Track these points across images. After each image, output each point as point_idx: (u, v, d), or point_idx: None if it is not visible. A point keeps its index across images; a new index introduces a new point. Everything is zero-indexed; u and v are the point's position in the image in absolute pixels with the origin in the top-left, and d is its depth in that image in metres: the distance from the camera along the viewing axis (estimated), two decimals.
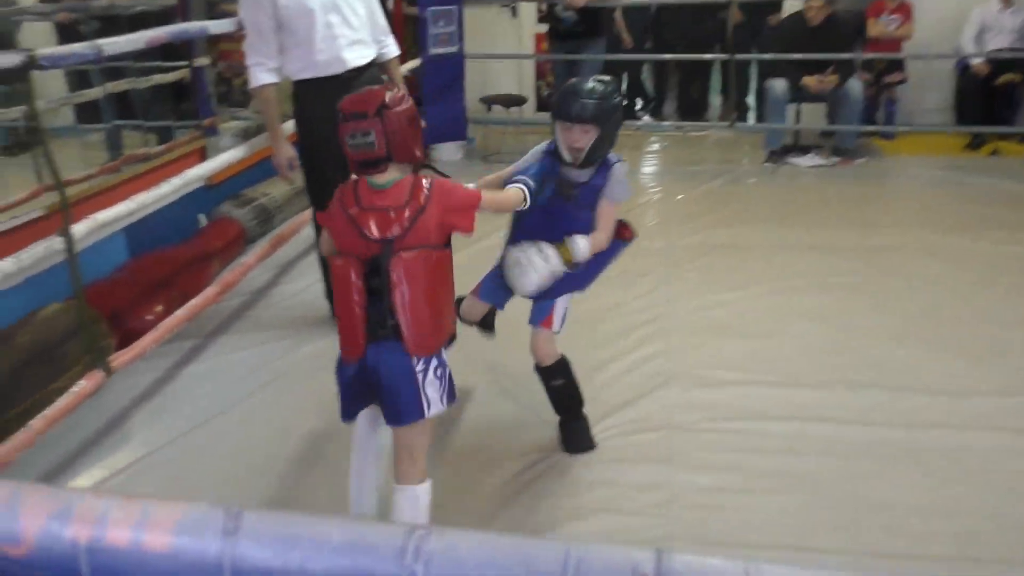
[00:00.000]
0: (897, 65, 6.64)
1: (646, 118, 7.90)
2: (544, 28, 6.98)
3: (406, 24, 6.53)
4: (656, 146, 7.01)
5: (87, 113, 4.99)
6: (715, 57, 6.93)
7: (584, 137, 2.36)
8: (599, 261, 2.54)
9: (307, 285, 4.09)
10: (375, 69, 3.42)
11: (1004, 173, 5.82)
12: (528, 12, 7.55)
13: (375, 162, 1.95)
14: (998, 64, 6.38)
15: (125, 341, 3.16)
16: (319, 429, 2.85)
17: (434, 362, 1.99)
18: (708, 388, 3.09)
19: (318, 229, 3.49)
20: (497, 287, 2.64)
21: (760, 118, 7.04)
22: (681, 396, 3.04)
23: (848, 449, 2.71)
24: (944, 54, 6.73)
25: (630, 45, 7.14)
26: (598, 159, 2.43)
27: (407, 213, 1.94)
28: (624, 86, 7.75)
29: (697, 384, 3.12)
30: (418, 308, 1.94)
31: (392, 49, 3.52)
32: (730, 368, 3.22)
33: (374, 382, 1.99)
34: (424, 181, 1.99)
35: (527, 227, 2.48)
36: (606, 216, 2.49)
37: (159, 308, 3.46)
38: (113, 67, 4.50)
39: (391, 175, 1.98)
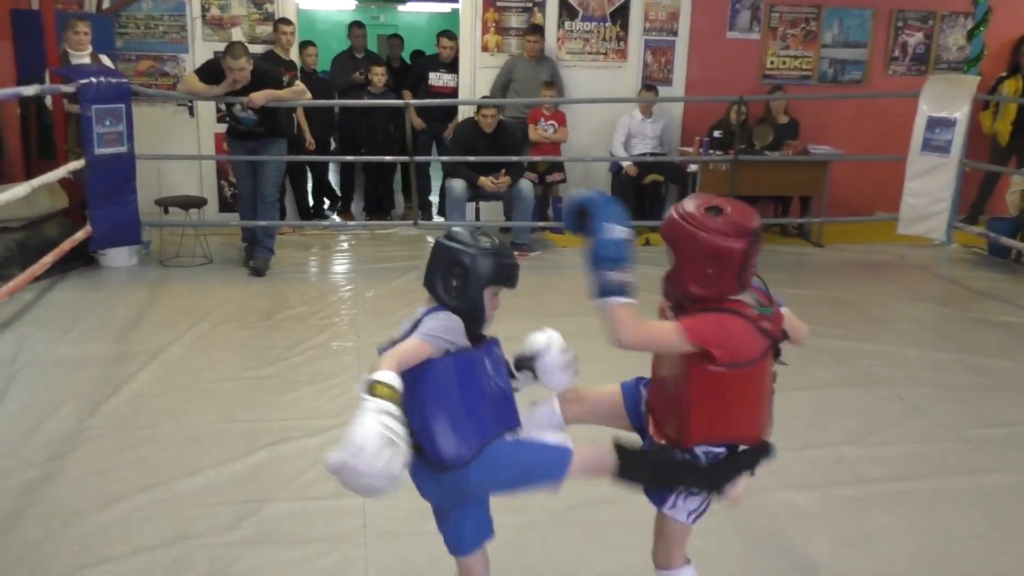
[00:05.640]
0: (558, 167, 7.33)
1: (334, 217, 7.98)
2: (224, 128, 6.82)
3: (68, 122, 6.07)
4: (345, 244, 7.05)
5: None
6: (397, 160, 7.17)
7: None
8: None
9: None
10: None
11: (656, 262, 6.52)
12: (207, 112, 7.35)
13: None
14: (644, 166, 7.26)
15: None
16: None
17: None
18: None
19: None
20: None
21: (443, 215, 7.38)
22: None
23: None
24: (599, 157, 7.55)
25: (313, 147, 7.20)
26: None
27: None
28: (310, 186, 7.78)
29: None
30: None
31: None
32: None
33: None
34: None
35: None
36: None
37: None
38: None
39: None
